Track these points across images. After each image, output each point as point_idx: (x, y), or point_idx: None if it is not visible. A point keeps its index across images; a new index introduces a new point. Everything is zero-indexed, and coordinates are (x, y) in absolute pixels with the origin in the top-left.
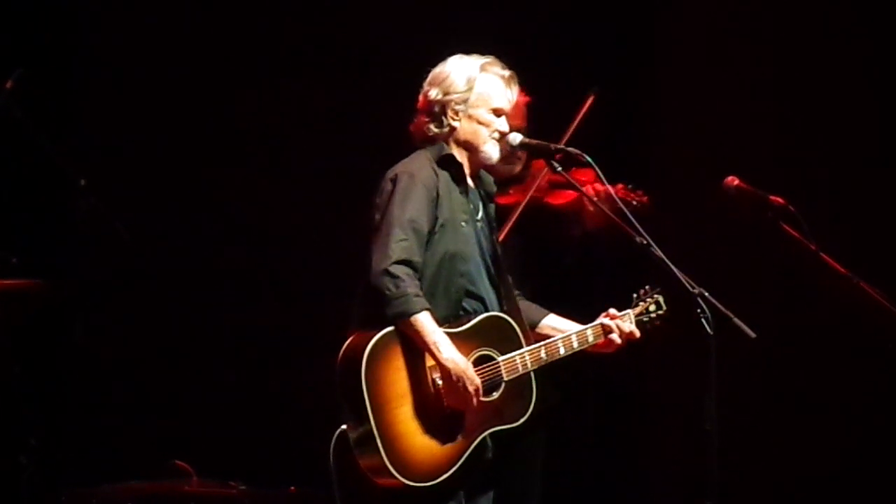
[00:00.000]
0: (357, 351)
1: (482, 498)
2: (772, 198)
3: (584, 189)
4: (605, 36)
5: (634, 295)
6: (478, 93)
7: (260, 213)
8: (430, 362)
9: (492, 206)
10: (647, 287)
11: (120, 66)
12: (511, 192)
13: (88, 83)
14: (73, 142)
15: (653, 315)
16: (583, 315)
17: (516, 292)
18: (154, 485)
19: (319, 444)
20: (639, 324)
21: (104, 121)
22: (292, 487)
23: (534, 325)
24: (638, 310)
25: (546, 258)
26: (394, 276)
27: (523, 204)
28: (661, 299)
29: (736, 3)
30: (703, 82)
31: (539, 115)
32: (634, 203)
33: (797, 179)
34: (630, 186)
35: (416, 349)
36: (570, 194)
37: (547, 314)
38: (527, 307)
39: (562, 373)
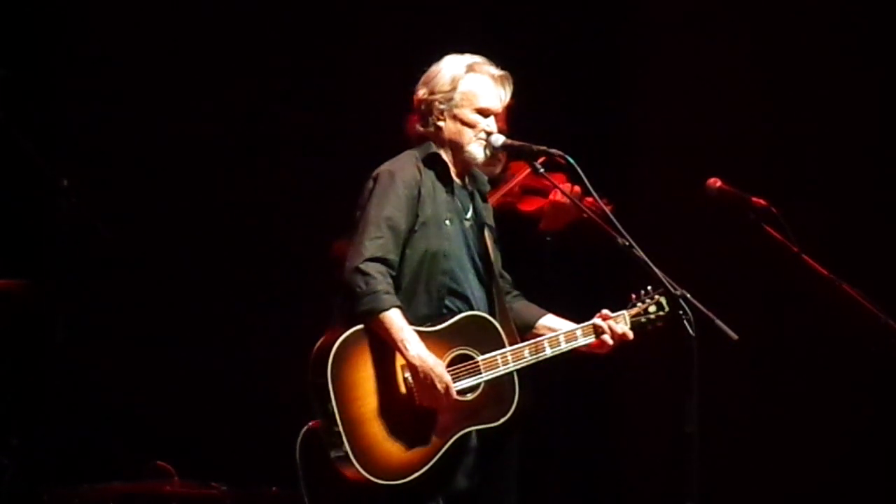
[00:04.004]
0: (325, 348)
1: None
2: (754, 199)
3: (562, 188)
4: (584, 35)
5: (633, 295)
6: (462, 92)
7: (242, 212)
8: (401, 360)
9: (487, 206)
10: (647, 288)
11: (103, 66)
12: None
13: (72, 83)
14: (55, 142)
15: (652, 316)
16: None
17: (515, 292)
18: (135, 485)
19: None
20: (637, 325)
21: (86, 120)
22: (274, 488)
23: (531, 325)
24: (635, 311)
25: (515, 260)
26: (364, 274)
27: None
28: (663, 300)
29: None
30: (685, 83)
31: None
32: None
33: (780, 181)
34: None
35: (386, 347)
36: (541, 201)
37: (545, 314)
38: (524, 307)
39: (538, 375)
